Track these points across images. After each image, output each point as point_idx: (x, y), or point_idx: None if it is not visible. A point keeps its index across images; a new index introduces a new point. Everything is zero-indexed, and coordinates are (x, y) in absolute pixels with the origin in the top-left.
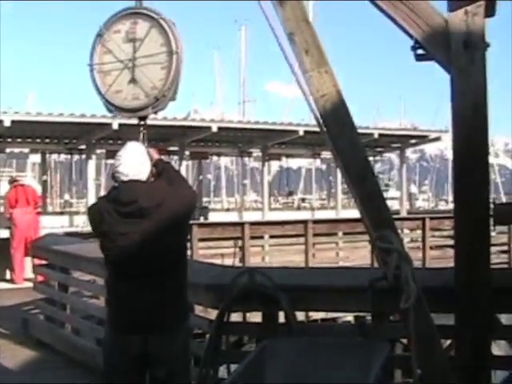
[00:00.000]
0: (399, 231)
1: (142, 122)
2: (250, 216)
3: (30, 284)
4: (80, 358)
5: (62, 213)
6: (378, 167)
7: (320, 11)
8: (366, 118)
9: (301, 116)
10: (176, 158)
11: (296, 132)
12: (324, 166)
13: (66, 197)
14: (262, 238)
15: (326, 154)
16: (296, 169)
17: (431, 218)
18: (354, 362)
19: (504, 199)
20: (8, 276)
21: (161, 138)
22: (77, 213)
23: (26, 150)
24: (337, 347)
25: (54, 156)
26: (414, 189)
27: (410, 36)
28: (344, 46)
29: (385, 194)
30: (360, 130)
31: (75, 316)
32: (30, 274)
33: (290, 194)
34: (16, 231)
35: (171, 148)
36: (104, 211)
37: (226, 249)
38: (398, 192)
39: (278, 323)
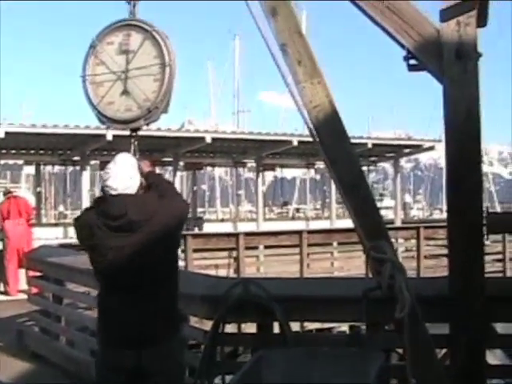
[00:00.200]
0: (394, 240)
1: (134, 134)
2: (244, 226)
3: (25, 296)
4: (74, 370)
5: (56, 224)
6: (372, 177)
7: (313, 22)
8: (360, 128)
9: (295, 126)
10: (170, 168)
11: (290, 142)
12: (318, 176)
13: (61, 208)
14: (256, 248)
15: (320, 164)
16: (290, 179)
17: (425, 227)
18: (349, 371)
19: (498, 208)
20: (2, 288)
21: (155, 148)
22: (71, 224)
23: (21, 162)
24: (332, 357)
25: (49, 167)
26: (408, 198)
27: (402, 46)
28: (337, 57)
29: (379, 204)
30: (354, 140)
31: (70, 328)
32: (24, 286)
33: (285, 204)
34: (8, 243)
35: (165, 159)
36: (93, 225)
37: (220, 259)
38: (392, 201)
39: (273, 334)
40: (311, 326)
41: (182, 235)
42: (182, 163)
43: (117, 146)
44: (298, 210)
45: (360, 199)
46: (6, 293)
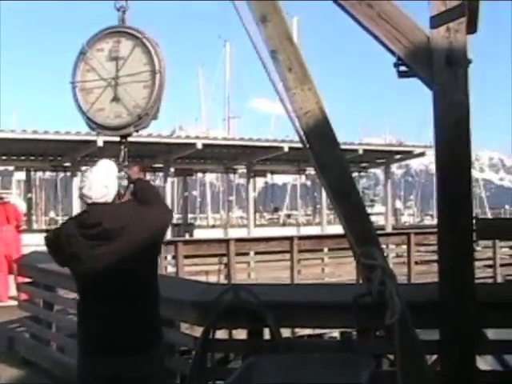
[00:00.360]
0: (384, 246)
1: (124, 140)
2: (235, 232)
3: (15, 302)
4: (65, 376)
5: (47, 230)
6: (363, 183)
7: (304, 28)
8: (351, 134)
9: (285, 132)
10: (161, 174)
11: (281, 148)
12: (309, 182)
13: (52, 214)
14: (247, 254)
15: (311, 170)
16: (281, 185)
17: (416, 233)
18: (340, 377)
19: (489, 213)
20: None
21: (146, 154)
22: None
23: (11, 168)
24: (322, 363)
25: (39, 173)
26: (399, 204)
27: (393, 53)
28: (328, 63)
29: (370, 210)
30: (345, 146)
31: (60, 334)
32: (14, 292)
33: (276, 210)
34: None
35: (156, 165)
36: (71, 235)
37: (211, 266)
38: (383, 207)
39: (264, 340)
40: (302, 331)
41: (163, 243)
42: (172, 169)
43: (108, 152)
44: (288, 216)
45: (350, 205)
46: None
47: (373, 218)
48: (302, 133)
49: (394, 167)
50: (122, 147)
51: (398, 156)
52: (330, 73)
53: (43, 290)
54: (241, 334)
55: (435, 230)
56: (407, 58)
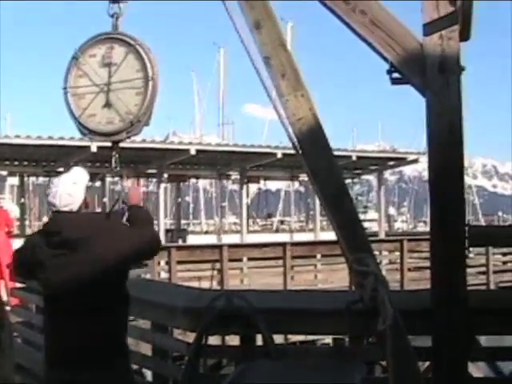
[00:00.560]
0: (377, 253)
1: (116, 146)
2: (228, 238)
3: (7, 307)
4: None
5: None
6: (356, 189)
7: (298, 34)
8: (345, 140)
9: (279, 138)
10: (154, 180)
11: (274, 155)
12: (303, 189)
13: (45, 219)
14: (240, 260)
15: (305, 177)
16: (275, 191)
17: (409, 240)
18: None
19: (482, 220)
20: None
21: (139, 160)
22: None
23: (4, 173)
24: (315, 369)
25: (33, 179)
26: (392, 210)
27: (386, 60)
28: (322, 70)
29: (363, 216)
30: (338, 153)
31: None
32: (6, 297)
33: (269, 216)
34: None
35: (150, 171)
36: (36, 244)
37: (204, 271)
38: (376, 214)
39: (256, 346)
40: (295, 338)
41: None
42: (166, 175)
43: (101, 157)
44: (282, 222)
45: (343, 212)
46: None
47: (366, 225)
48: (295, 139)
49: (387, 173)
50: (114, 153)
51: (392, 162)
52: (323, 79)
53: (36, 294)
54: (233, 340)
55: (428, 236)
56: (400, 64)
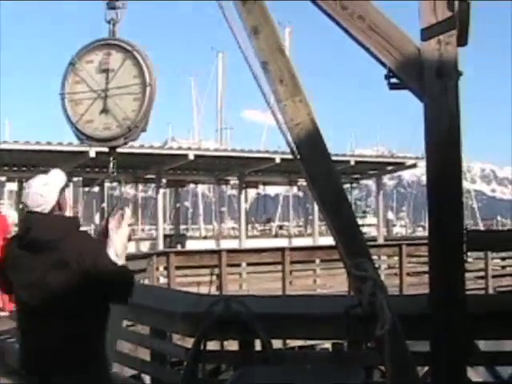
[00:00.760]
0: (376, 258)
1: (113, 152)
2: (227, 244)
3: (5, 313)
4: None
5: None
6: (355, 194)
7: (296, 39)
8: (343, 145)
9: (277, 143)
10: (153, 185)
11: (273, 160)
12: (301, 193)
13: None
14: (239, 265)
15: (303, 182)
16: (273, 196)
17: (408, 245)
18: None
19: (481, 224)
20: None
21: (138, 165)
22: None
23: (3, 178)
24: (314, 374)
25: None
26: (391, 215)
27: (384, 65)
28: (320, 74)
29: (362, 221)
30: (337, 158)
31: None
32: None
33: (268, 221)
34: None
35: (148, 176)
36: (9, 246)
37: (203, 277)
38: (375, 218)
39: (255, 351)
40: (293, 343)
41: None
42: (164, 180)
43: (100, 162)
44: (280, 227)
45: (341, 217)
46: None
47: (365, 230)
48: (293, 144)
49: (385, 178)
50: (111, 158)
51: (390, 167)
52: (322, 84)
53: None
54: (232, 345)
55: (427, 241)
56: (398, 70)
